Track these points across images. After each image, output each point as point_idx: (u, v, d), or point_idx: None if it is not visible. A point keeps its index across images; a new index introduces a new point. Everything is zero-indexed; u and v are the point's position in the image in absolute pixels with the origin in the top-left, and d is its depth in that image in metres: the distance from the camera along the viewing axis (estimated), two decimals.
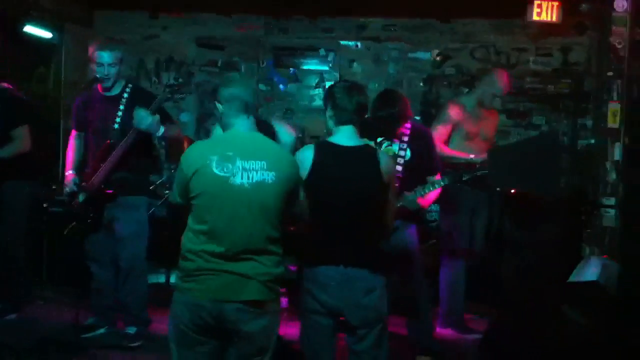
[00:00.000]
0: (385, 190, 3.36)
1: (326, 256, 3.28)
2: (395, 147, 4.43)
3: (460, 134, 5.32)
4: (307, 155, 3.31)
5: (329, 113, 3.41)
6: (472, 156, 5.13)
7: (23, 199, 5.26)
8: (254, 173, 3.01)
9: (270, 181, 3.02)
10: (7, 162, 5.02)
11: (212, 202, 3.01)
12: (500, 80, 5.37)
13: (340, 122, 3.36)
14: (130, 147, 4.60)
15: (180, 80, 4.74)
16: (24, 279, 5.33)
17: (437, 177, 4.49)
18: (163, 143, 6.79)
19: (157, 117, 4.55)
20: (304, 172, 3.27)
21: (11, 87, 5.30)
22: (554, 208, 5.90)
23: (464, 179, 4.48)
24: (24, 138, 5.12)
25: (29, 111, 5.34)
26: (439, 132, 5.22)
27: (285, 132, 4.53)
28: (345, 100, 3.35)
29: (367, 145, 3.46)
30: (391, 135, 4.44)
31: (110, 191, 4.63)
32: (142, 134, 4.60)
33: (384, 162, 3.38)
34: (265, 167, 3.02)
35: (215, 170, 2.99)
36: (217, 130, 4.40)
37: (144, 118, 4.49)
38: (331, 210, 3.29)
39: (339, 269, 3.25)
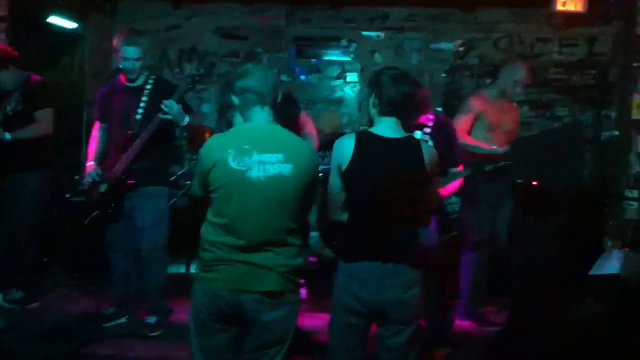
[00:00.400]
0: (429, 183, 3.27)
1: (365, 251, 3.18)
2: (419, 135, 4.41)
3: (482, 124, 5.28)
4: (347, 146, 3.19)
5: (372, 101, 3.27)
6: (494, 147, 5.10)
7: (36, 189, 5.28)
8: (271, 166, 3.00)
9: (287, 174, 3.01)
10: (23, 152, 5.06)
11: (229, 195, 3.02)
12: (521, 68, 5.34)
13: (384, 112, 3.24)
14: (152, 138, 4.62)
15: (202, 70, 4.77)
16: (35, 267, 5.37)
17: (459, 168, 4.46)
18: (185, 134, 6.85)
19: (181, 106, 4.57)
20: (344, 162, 3.17)
21: (34, 74, 5.33)
22: (576, 200, 5.85)
23: (485, 169, 4.44)
24: (47, 121, 5.17)
25: (52, 95, 5.35)
26: (462, 122, 5.19)
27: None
28: (392, 91, 3.21)
29: (410, 137, 3.31)
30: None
31: (131, 181, 4.67)
32: (165, 124, 4.62)
33: (428, 154, 3.24)
34: (282, 160, 3.02)
35: (232, 164, 3.00)
36: (238, 120, 4.43)
37: (172, 107, 4.52)
38: (371, 204, 3.17)
39: (378, 264, 3.16)
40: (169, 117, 4.53)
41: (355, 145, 3.17)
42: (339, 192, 3.23)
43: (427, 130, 4.43)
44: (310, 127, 4.93)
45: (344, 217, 3.25)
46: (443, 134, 4.48)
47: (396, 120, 3.25)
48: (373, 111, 3.28)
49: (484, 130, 5.27)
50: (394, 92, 3.20)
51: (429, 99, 4.54)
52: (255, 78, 3.13)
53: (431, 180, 3.28)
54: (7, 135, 4.99)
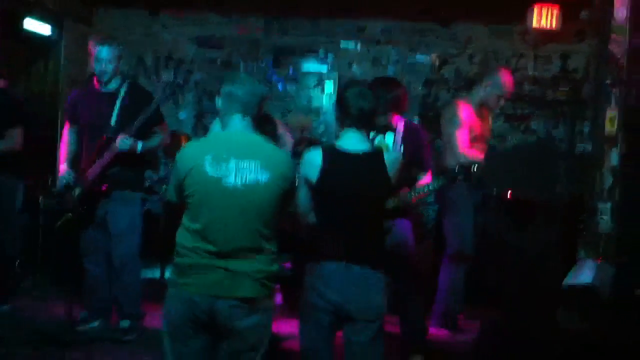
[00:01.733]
0: (390, 191, 3.47)
1: (330, 252, 3.30)
2: (390, 140, 4.43)
3: (470, 137, 5.29)
4: (315, 159, 3.31)
5: (337, 114, 3.44)
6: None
7: (14, 196, 5.26)
8: (248, 173, 3.00)
9: (264, 181, 3.01)
10: None
11: (205, 201, 3.01)
12: (505, 82, 5.36)
13: (347, 125, 3.38)
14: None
15: (179, 80, 4.79)
16: (14, 271, 5.36)
17: (428, 176, 4.49)
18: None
19: (133, 140, 4.62)
20: (313, 175, 3.29)
21: (5, 85, 5.28)
22: (551, 213, 5.91)
23: (457, 177, 4.47)
24: (16, 138, 5.17)
25: (23, 112, 5.36)
26: (462, 137, 5.17)
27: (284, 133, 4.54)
28: (355, 105, 3.35)
29: (374, 151, 3.45)
30: (385, 124, 4.44)
31: (104, 187, 4.64)
32: (140, 130, 4.65)
33: (391, 164, 3.38)
34: (259, 167, 3.02)
35: (209, 170, 2.99)
36: (216, 127, 4.43)
37: (123, 144, 4.58)
38: (338, 213, 3.32)
39: (342, 265, 3.28)
40: (122, 150, 4.56)
41: (323, 161, 3.29)
42: (306, 201, 3.37)
43: (399, 134, 4.47)
44: (287, 137, 4.96)
45: (311, 219, 3.41)
46: (413, 139, 4.50)
47: (360, 133, 3.38)
48: (338, 125, 3.44)
49: (472, 142, 5.26)
50: (358, 106, 3.35)
51: (405, 99, 4.57)
52: (242, 87, 3.14)
53: (392, 187, 3.44)
54: None
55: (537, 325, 4.34)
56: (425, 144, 4.65)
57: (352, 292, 3.29)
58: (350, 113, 3.35)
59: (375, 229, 3.42)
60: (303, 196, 3.36)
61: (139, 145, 4.70)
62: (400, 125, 4.50)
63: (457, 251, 5.28)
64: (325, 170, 3.28)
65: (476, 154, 5.13)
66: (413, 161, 4.43)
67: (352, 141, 3.36)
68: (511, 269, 5.71)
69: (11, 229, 5.28)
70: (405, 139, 4.45)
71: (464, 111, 5.28)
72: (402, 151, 4.41)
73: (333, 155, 3.33)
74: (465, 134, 5.21)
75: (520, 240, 5.88)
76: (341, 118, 3.39)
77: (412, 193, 4.30)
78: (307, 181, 3.32)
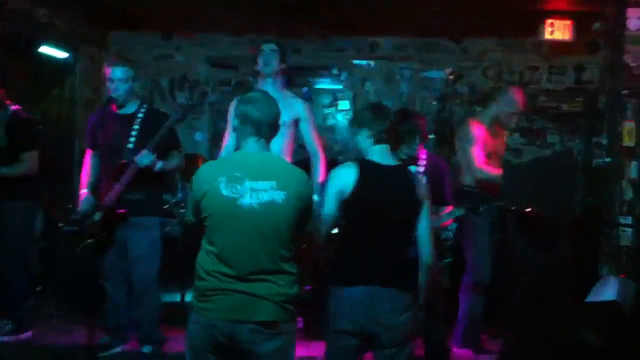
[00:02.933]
0: (420, 212, 3.37)
1: (356, 276, 3.25)
2: (413, 170, 4.42)
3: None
4: (349, 173, 3.29)
5: (364, 134, 3.41)
6: None
7: (31, 221, 5.26)
8: (263, 193, 2.98)
9: (280, 201, 2.99)
10: (8, 183, 5.04)
11: (221, 223, 3.00)
12: (517, 98, 5.35)
13: (377, 141, 3.38)
14: (144, 167, 4.63)
15: (193, 102, 4.78)
16: (25, 297, 5.30)
17: (449, 209, 4.53)
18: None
19: (154, 156, 4.61)
20: (347, 189, 3.26)
21: (20, 108, 5.30)
22: (569, 227, 5.85)
23: (479, 211, 4.48)
24: (31, 161, 5.15)
25: (37, 135, 5.35)
26: (476, 155, 5.14)
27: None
28: (379, 121, 3.39)
29: (403, 165, 3.51)
30: (413, 156, 4.46)
31: (123, 210, 4.64)
32: (158, 153, 4.65)
33: (418, 181, 3.43)
34: (275, 187, 3.00)
35: (224, 192, 2.98)
36: (230, 142, 4.43)
37: (144, 158, 4.57)
38: (367, 231, 3.29)
39: (369, 289, 3.23)
40: (141, 165, 4.57)
41: (358, 173, 3.27)
42: (333, 217, 3.32)
43: (421, 167, 4.48)
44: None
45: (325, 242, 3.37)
46: (436, 173, 4.49)
47: (388, 147, 3.41)
48: (367, 143, 3.40)
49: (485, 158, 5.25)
50: (382, 121, 3.39)
51: (424, 128, 4.58)
52: (256, 109, 3.12)
53: (422, 208, 3.38)
54: None
55: (558, 342, 4.30)
56: (447, 176, 4.65)
57: (380, 317, 3.24)
58: (376, 128, 3.38)
59: (404, 248, 3.37)
60: (331, 211, 3.31)
61: (159, 164, 4.69)
62: (423, 158, 4.51)
63: (475, 283, 5.24)
64: (361, 182, 3.26)
65: (493, 170, 5.12)
66: (435, 194, 4.42)
67: (382, 155, 3.38)
68: (531, 285, 5.65)
69: (21, 254, 5.23)
70: (427, 172, 4.43)
71: (477, 129, 5.26)
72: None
73: (367, 169, 3.32)
74: (481, 150, 5.19)
75: (539, 255, 5.82)
76: (370, 135, 3.39)
77: (437, 221, 4.31)
78: (340, 195, 3.28)
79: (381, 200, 3.27)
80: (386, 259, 3.27)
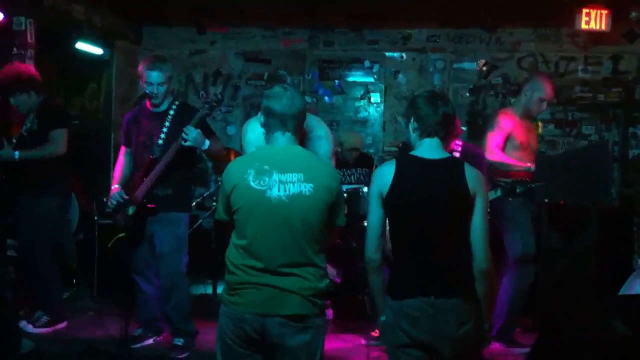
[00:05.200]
0: (472, 208, 3.04)
1: (414, 287, 2.99)
2: None
3: (512, 144, 5.18)
4: (387, 171, 3.06)
5: (412, 125, 3.15)
6: (529, 165, 5.05)
7: (53, 215, 5.27)
8: (291, 185, 2.98)
9: (307, 193, 2.98)
10: (40, 179, 5.09)
11: (250, 216, 3.00)
12: (546, 84, 5.27)
13: (425, 134, 3.12)
14: (172, 163, 4.66)
15: (219, 96, 4.76)
16: (59, 290, 5.38)
17: None
18: (205, 158, 6.90)
19: (199, 131, 4.60)
20: (384, 188, 3.04)
21: (49, 96, 5.39)
22: (604, 219, 5.78)
23: (517, 191, 4.39)
24: (60, 140, 5.12)
25: (64, 114, 5.36)
26: (494, 139, 5.08)
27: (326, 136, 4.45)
28: (430, 111, 3.10)
29: (452, 157, 3.21)
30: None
31: (152, 205, 4.69)
32: (184, 150, 4.67)
33: (471, 173, 3.08)
34: (302, 179, 2.99)
35: (252, 184, 2.98)
36: (249, 128, 4.37)
37: (191, 132, 4.55)
38: (416, 232, 3.02)
39: (429, 300, 2.96)
40: (188, 143, 4.57)
41: (396, 170, 3.05)
42: (378, 223, 3.10)
43: (456, 156, 4.41)
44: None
45: (378, 255, 3.10)
46: (470, 161, 4.45)
47: (438, 141, 3.13)
48: (414, 136, 3.16)
49: (514, 150, 5.18)
50: (432, 112, 3.10)
51: (458, 123, 4.54)
52: (279, 103, 3.11)
53: (475, 204, 3.05)
54: (16, 154, 5.01)
55: (589, 333, 4.24)
56: (482, 164, 4.61)
57: (441, 331, 2.98)
58: (425, 120, 3.10)
59: (461, 253, 3.06)
60: (374, 217, 3.09)
61: (206, 142, 4.63)
62: (457, 148, 4.47)
63: (521, 253, 5.13)
64: (397, 178, 3.03)
65: (505, 157, 5.05)
66: None
67: (429, 149, 3.10)
68: (563, 276, 5.60)
69: (50, 246, 5.28)
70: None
71: (504, 118, 5.21)
72: None
73: (406, 164, 3.08)
74: (499, 137, 5.12)
75: (571, 247, 5.76)
76: (417, 127, 3.12)
77: None
78: (379, 197, 3.06)
79: (420, 196, 3.00)
80: (442, 265, 2.99)
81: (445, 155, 3.13)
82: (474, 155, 4.57)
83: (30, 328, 5.18)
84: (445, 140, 3.17)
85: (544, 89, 5.23)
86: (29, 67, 5.29)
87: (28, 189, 5.12)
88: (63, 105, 5.53)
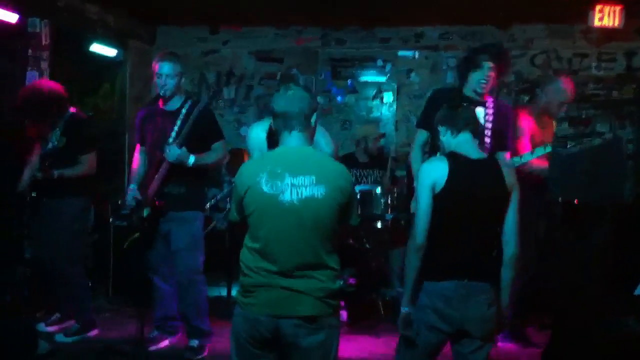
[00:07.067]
0: (508, 203, 3.36)
1: (451, 270, 3.29)
2: (479, 114, 4.44)
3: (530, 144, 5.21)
4: (442, 166, 3.31)
5: (441, 129, 3.46)
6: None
7: (84, 216, 5.32)
8: (303, 189, 2.99)
9: (320, 196, 2.99)
10: (64, 181, 5.08)
11: (263, 220, 3.02)
12: (567, 88, 5.25)
13: (459, 130, 3.40)
14: (177, 165, 4.69)
15: (216, 87, 4.76)
16: (82, 294, 5.36)
17: (507, 156, 4.71)
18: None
19: (183, 149, 4.64)
20: (439, 183, 3.29)
21: (78, 110, 5.38)
22: (617, 217, 5.75)
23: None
24: (90, 163, 5.18)
25: (95, 136, 5.39)
26: (523, 146, 5.09)
27: (326, 142, 4.45)
28: (457, 113, 3.44)
29: (492, 158, 3.54)
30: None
31: (160, 202, 4.71)
32: (195, 148, 4.70)
33: (507, 174, 3.39)
34: (314, 182, 2.99)
35: (265, 188, 2.99)
36: (252, 132, 4.45)
37: (171, 153, 4.62)
38: (460, 224, 3.31)
39: (464, 283, 3.27)
40: (171, 161, 4.61)
41: (450, 168, 3.29)
42: (428, 212, 3.31)
43: (490, 111, 4.63)
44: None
45: (425, 241, 3.32)
46: (500, 119, 4.65)
47: (471, 136, 3.42)
48: (447, 136, 3.43)
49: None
50: (460, 114, 3.43)
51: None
52: (283, 103, 3.12)
53: (509, 199, 3.37)
54: (55, 172, 5.01)
55: (602, 332, 4.24)
56: (510, 125, 4.77)
57: (473, 310, 3.28)
58: (453, 117, 3.42)
59: (494, 242, 3.37)
60: (426, 207, 3.31)
61: (191, 159, 4.69)
62: (490, 102, 4.63)
63: (523, 265, 5.13)
64: (452, 177, 3.27)
65: (538, 163, 5.05)
66: (497, 140, 4.62)
67: (469, 147, 3.39)
68: (578, 276, 5.58)
69: (76, 252, 5.29)
70: (493, 117, 4.59)
71: (525, 120, 5.19)
72: (490, 127, 4.60)
73: (457, 163, 3.32)
74: (527, 143, 5.13)
75: (584, 246, 5.74)
76: (448, 127, 3.42)
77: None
78: (432, 190, 3.30)
79: (473, 194, 3.28)
80: (478, 252, 3.31)
81: (483, 154, 3.46)
82: (504, 111, 4.77)
83: (61, 337, 5.19)
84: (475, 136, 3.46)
85: (566, 93, 5.22)
86: (50, 86, 5.18)
87: (52, 191, 5.11)
88: (91, 123, 5.53)
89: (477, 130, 3.47)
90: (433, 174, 3.31)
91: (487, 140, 4.59)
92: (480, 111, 4.54)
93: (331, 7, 6.93)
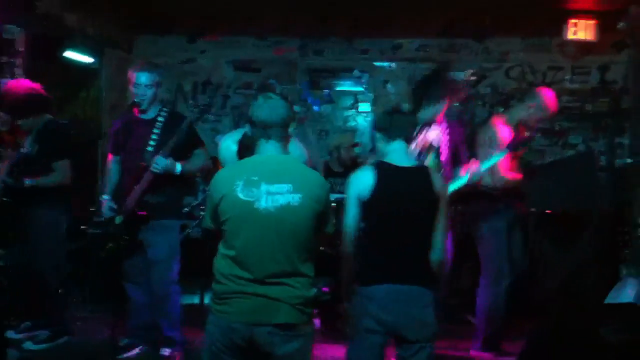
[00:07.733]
0: (438, 210, 3.45)
1: (383, 275, 3.36)
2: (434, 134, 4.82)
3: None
4: (367, 176, 3.38)
5: (379, 135, 3.53)
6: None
7: (58, 227, 5.26)
8: (279, 196, 2.99)
9: (296, 204, 3.00)
10: (39, 190, 5.02)
11: (239, 227, 3.01)
12: (549, 103, 5.15)
13: (393, 137, 3.48)
14: (158, 175, 4.68)
15: (209, 101, 4.80)
16: (58, 302, 5.32)
17: (463, 170, 4.84)
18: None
19: (170, 159, 4.64)
20: (365, 192, 3.35)
21: (54, 117, 5.33)
22: (591, 228, 5.82)
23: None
24: (65, 171, 5.10)
25: (71, 143, 5.31)
26: (504, 162, 4.98)
27: (297, 149, 4.49)
28: (396, 122, 3.52)
29: (422, 166, 3.65)
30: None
31: (143, 213, 4.69)
32: (175, 156, 4.69)
33: (438, 182, 3.47)
34: (291, 190, 3.01)
35: (240, 195, 2.99)
36: (224, 143, 4.47)
37: (158, 164, 4.61)
38: (389, 230, 3.38)
39: (396, 287, 3.33)
40: (158, 172, 4.61)
41: (376, 176, 3.37)
42: (355, 223, 3.40)
43: (444, 130, 4.87)
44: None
45: (352, 250, 3.43)
46: (454, 136, 4.89)
47: (404, 144, 3.51)
48: (383, 144, 3.51)
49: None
50: (399, 118, 3.55)
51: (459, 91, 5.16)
52: (262, 112, 3.13)
53: (440, 206, 3.45)
54: (27, 182, 4.95)
55: (580, 341, 4.27)
56: (463, 141, 4.91)
57: (407, 314, 3.34)
58: (394, 127, 3.49)
59: (426, 246, 3.44)
60: (352, 217, 3.40)
61: (178, 167, 4.70)
62: (444, 123, 4.87)
63: (491, 282, 5.16)
64: (377, 185, 3.35)
65: (517, 176, 5.05)
66: (454, 156, 4.87)
67: (399, 155, 3.47)
68: (553, 285, 5.63)
69: (55, 260, 5.23)
70: (449, 135, 4.83)
71: (503, 131, 5.15)
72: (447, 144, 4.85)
73: (384, 171, 3.40)
74: (507, 156, 5.09)
75: (561, 256, 5.80)
76: (382, 136, 3.51)
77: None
78: (358, 200, 3.38)
79: (399, 200, 3.35)
80: (408, 257, 3.37)
81: (413, 162, 3.56)
82: (455, 130, 4.97)
83: (30, 345, 5.11)
84: (409, 142, 3.65)
85: (549, 108, 5.17)
86: (38, 86, 5.16)
87: (28, 200, 5.04)
88: (66, 130, 5.44)
89: (411, 139, 3.64)
90: (358, 184, 3.39)
91: (443, 157, 4.84)
92: (435, 131, 4.83)
93: (312, 19, 6.95)
